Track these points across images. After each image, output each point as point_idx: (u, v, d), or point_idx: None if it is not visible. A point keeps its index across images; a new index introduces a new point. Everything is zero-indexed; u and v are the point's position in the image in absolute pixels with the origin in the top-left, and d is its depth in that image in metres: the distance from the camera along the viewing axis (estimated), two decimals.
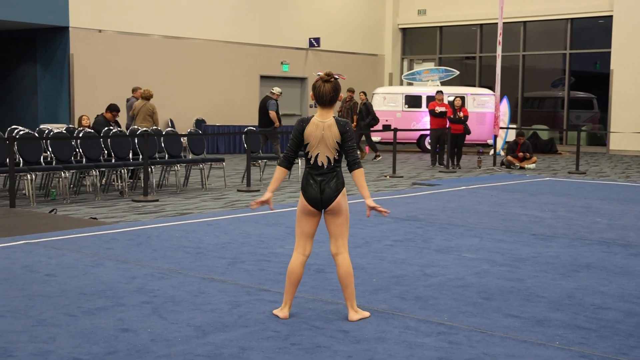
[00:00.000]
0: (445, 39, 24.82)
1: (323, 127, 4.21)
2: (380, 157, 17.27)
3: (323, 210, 4.26)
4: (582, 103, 23.01)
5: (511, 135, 18.38)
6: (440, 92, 16.04)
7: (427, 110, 17.39)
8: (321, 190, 4.21)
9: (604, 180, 13.25)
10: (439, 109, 15.59)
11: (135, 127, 11.79)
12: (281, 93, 15.47)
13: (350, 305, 4.29)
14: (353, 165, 4.19)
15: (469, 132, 15.62)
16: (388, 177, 13.34)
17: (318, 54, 22.50)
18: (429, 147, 17.83)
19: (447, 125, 15.32)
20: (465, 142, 15.89)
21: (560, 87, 22.82)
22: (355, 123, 16.78)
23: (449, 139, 15.09)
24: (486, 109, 19.61)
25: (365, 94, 17.48)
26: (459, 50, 25.26)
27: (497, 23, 16.77)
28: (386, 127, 19.01)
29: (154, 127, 11.86)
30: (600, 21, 21.52)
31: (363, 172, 4.22)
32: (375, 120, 17.10)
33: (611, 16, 20.68)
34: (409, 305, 4.63)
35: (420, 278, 5.36)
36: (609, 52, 20.73)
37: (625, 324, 4.29)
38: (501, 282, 5.26)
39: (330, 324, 4.19)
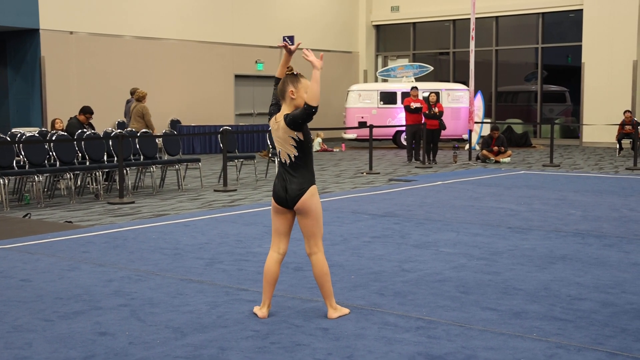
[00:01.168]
0: (418, 35, 24.92)
1: (277, 126, 4.17)
2: None
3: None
4: (555, 96, 23.24)
5: (486, 130, 18.51)
6: (415, 88, 16.11)
7: (402, 106, 17.46)
8: (285, 188, 4.18)
9: (577, 173, 13.39)
10: (414, 105, 15.66)
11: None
12: None
13: (328, 304, 4.29)
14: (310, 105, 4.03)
15: (444, 128, 15.71)
16: (365, 174, 13.37)
17: None
18: (405, 143, 17.93)
19: (423, 121, 15.39)
20: (440, 137, 15.97)
21: (533, 81, 23.02)
22: None
23: (424, 135, 15.15)
24: (461, 104, 19.73)
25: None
26: (432, 46, 25.37)
27: (469, 19, 16.86)
28: (362, 124, 19.04)
29: (131, 129, 11.76)
30: (571, 15, 21.74)
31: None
32: None
33: (581, 10, 20.89)
34: (387, 301, 4.64)
35: (399, 274, 5.38)
36: (580, 46, 20.94)
37: (600, 314, 4.34)
38: (478, 276, 5.29)
39: (309, 322, 4.19)
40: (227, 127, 13.13)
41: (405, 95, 18.22)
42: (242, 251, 6.21)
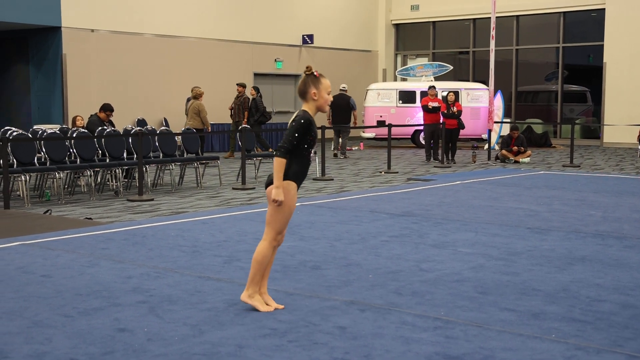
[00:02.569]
0: (438, 34, 24.83)
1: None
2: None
3: None
4: (576, 96, 23.05)
5: (505, 130, 18.40)
6: (432, 88, 16.06)
7: (421, 105, 17.43)
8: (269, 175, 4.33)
9: (598, 173, 13.28)
10: (432, 105, 15.61)
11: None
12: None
13: (246, 288, 4.37)
14: (275, 150, 4.22)
15: (463, 127, 15.65)
16: (383, 173, 13.35)
17: (312, 50, 22.48)
18: (423, 142, 17.88)
19: (441, 121, 15.33)
20: (459, 136, 15.91)
21: (554, 80, 22.85)
22: (245, 119, 16.35)
23: (443, 134, 15.10)
24: (480, 104, 19.64)
25: (256, 89, 16.78)
26: (452, 45, 25.27)
27: (490, 18, 16.77)
28: (380, 123, 19.02)
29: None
30: (593, 14, 21.55)
31: (277, 161, 4.15)
32: (265, 117, 16.51)
33: (604, 9, 20.71)
34: (405, 300, 4.63)
35: (417, 273, 5.37)
36: (602, 45, 20.76)
37: (620, 315, 4.31)
38: (497, 276, 5.27)
39: (327, 321, 4.19)
40: (246, 126, 13.16)
41: (424, 94, 18.17)
42: None
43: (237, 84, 16.77)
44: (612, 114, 20.40)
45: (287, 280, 5.11)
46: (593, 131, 22.38)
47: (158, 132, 11.46)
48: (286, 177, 4.21)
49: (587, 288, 4.94)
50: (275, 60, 21.61)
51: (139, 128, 11.46)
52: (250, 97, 16.59)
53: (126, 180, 11.15)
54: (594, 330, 4.03)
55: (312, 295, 4.74)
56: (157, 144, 11.09)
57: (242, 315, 4.29)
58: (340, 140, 17.34)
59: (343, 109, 17.38)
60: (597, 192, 10.22)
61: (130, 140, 10.77)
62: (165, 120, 18.51)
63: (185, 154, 11.55)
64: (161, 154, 11.10)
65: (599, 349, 3.74)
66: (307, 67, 4.36)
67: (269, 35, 21.34)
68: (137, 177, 10.08)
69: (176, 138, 11.88)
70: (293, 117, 4.28)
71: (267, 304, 4.39)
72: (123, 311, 4.36)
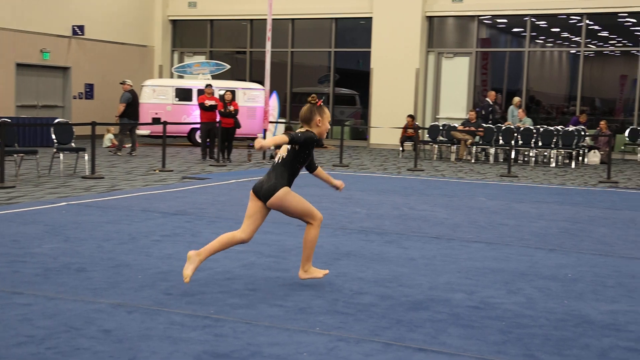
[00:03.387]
0: (216, 33, 24.86)
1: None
2: None
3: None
4: (346, 99, 24.30)
5: (280, 130, 18.89)
6: (209, 86, 16.04)
7: (197, 103, 17.35)
8: (262, 183, 4.85)
9: (364, 173, 14.10)
10: (208, 103, 15.59)
11: None
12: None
13: (301, 266, 4.96)
14: (312, 167, 5.16)
15: (239, 126, 15.80)
16: (157, 171, 13.07)
17: (83, 42, 21.41)
18: (199, 140, 17.79)
19: (218, 119, 15.36)
20: (235, 135, 16.05)
21: (326, 83, 23.90)
22: None
23: (219, 133, 15.14)
24: (256, 104, 19.98)
25: None
26: (229, 44, 25.44)
27: (266, 19, 17.11)
28: (156, 120, 18.62)
29: None
30: (362, 22, 22.84)
31: (283, 136, 4.68)
32: None
33: (371, 17, 22.03)
34: (175, 300, 4.56)
35: None
36: (369, 52, 22.07)
37: (379, 307, 4.59)
38: (267, 273, 5.37)
39: (91, 324, 3.99)
40: (7, 119, 12.20)
41: (201, 92, 18.09)
42: (19, 252, 5.78)
43: None
44: (377, 116, 21.77)
45: (48, 284, 4.80)
46: (361, 133, 23.74)
47: None
48: (286, 184, 4.83)
49: (351, 282, 5.21)
50: (42, 50, 20.25)
51: None
52: None
53: None
54: (355, 322, 4.25)
55: (75, 299, 4.49)
56: None
57: None
58: (124, 137, 16.91)
59: (137, 105, 16.96)
60: (363, 191, 10.84)
61: None
62: None
63: None
64: None
65: (359, 339, 3.94)
66: (311, 96, 4.89)
67: (34, 23, 19.94)
68: None
69: None
70: (298, 130, 4.82)
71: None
72: None
